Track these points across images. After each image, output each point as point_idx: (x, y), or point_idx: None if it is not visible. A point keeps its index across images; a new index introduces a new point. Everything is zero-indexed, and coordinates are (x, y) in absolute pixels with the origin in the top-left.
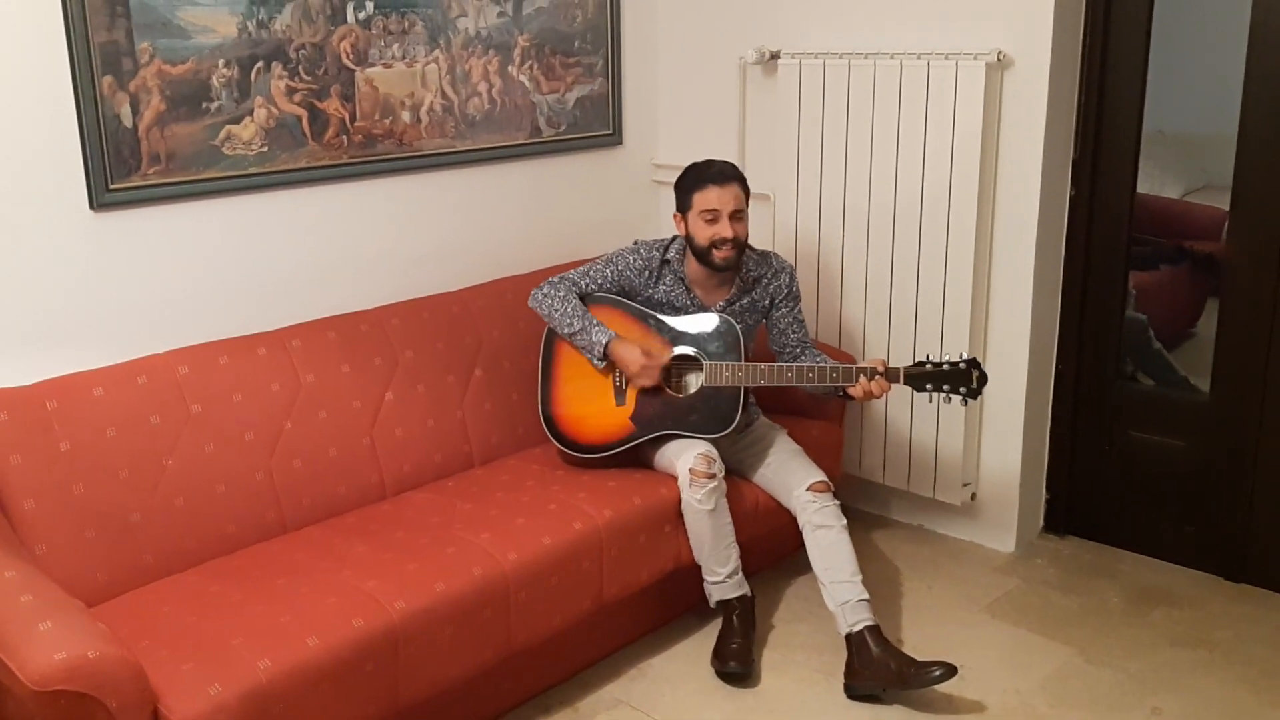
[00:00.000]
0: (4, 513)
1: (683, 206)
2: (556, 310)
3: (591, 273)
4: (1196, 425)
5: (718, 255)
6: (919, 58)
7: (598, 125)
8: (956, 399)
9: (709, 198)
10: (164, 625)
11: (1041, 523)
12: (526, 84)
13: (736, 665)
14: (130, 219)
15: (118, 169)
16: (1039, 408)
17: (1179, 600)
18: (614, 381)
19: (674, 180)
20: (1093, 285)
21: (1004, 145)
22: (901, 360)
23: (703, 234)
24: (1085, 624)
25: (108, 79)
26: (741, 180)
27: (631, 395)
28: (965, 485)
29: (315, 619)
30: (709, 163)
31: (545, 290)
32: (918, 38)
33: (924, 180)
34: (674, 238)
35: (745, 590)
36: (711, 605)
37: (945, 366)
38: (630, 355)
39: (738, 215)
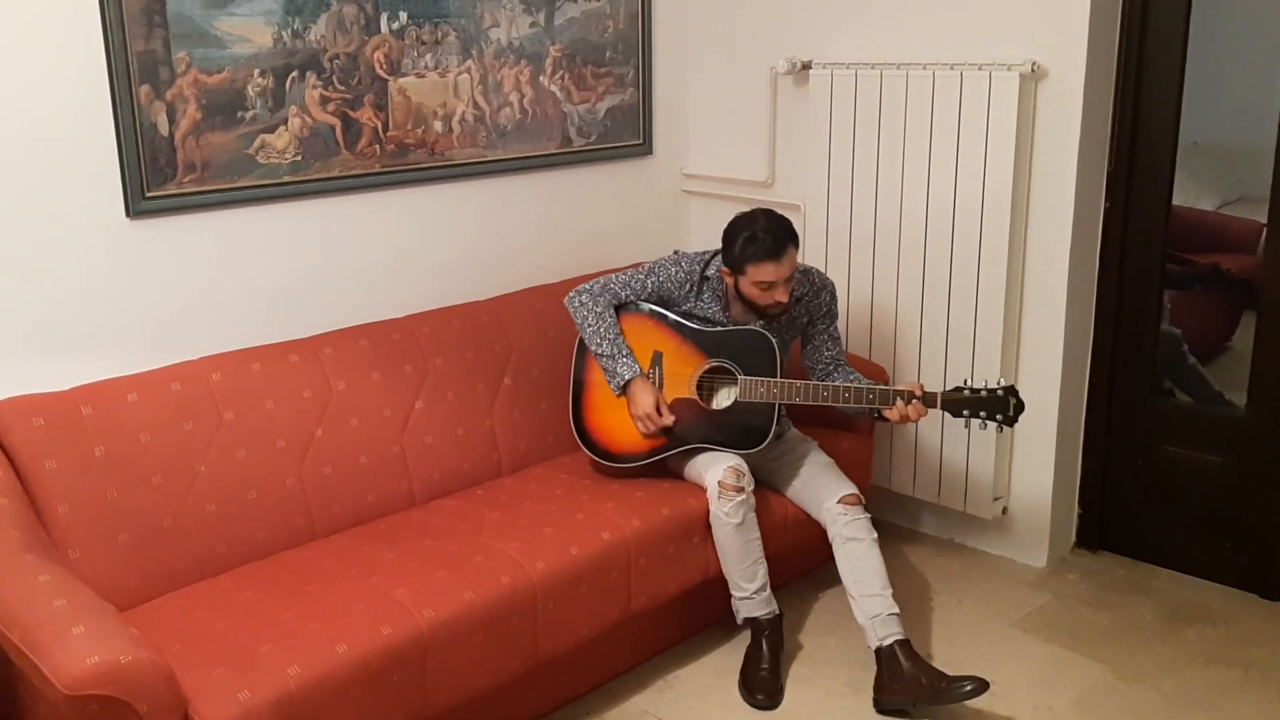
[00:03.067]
0: (39, 517)
1: (733, 268)
2: (590, 324)
3: (632, 283)
4: (1232, 441)
5: (771, 311)
6: (952, 68)
7: (628, 135)
8: (992, 426)
9: (765, 271)
10: (195, 630)
11: (1074, 538)
12: (557, 94)
13: (765, 699)
14: (165, 227)
15: (154, 177)
16: (1072, 421)
17: (1214, 618)
18: None
19: (705, 190)
20: (1127, 298)
21: (1038, 157)
22: (934, 378)
23: (757, 297)
24: (1118, 641)
25: (145, 88)
26: (794, 239)
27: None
28: (997, 499)
29: (344, 626)
30: (762, 233)
31: (583, 298)
32: (951, 48)
33: (957, 192)
34: (715, 253)
35: (773, 608)
36: (738, 622)
37: (983, 393)
38: (642, 400)
39: (790, 279)
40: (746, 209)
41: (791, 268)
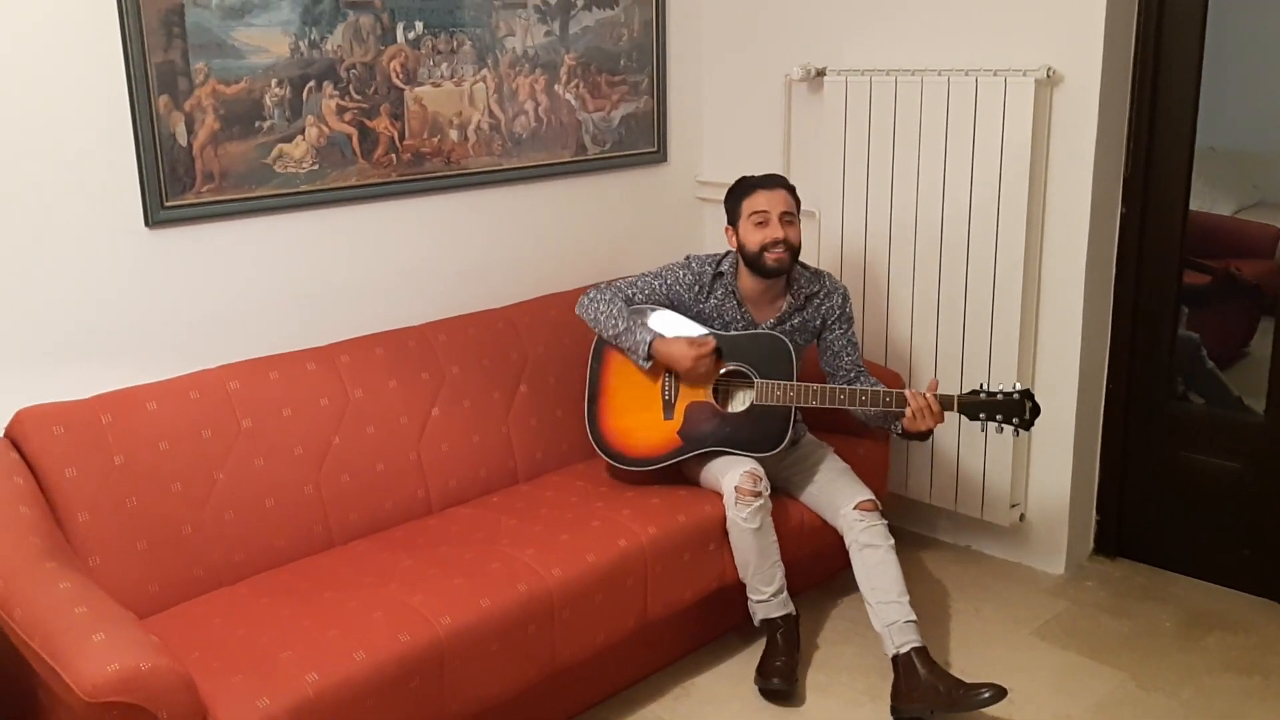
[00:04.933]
0: (59, 525)
1: (732, 217)
2: (602, 314)
3: (640, 283)
4: (1251, 447)
5: (770, 257)
6: (967, 74)
7: (643, 143)
8: (1009, 429)
9: (757, 201)
10: (214, 638)
11: (1092, 545)
12: (572, 102)
13: (780, 682)
14: (184, 236)
15: (172, 187)
16: (1089, 427)
17: (1234, 625)
18: (662, 394)
19: (719, 197)
20: (1144, 303)
21: (1054, 163)
22: (950, 384)
23: (753, 238)
24: (1137, 648)
25: (164, 98)
26: (789, 186)
27: (680, 409)
28: (1014, 506)
29: (362, 633)
30: (755, 174)
31: (592, 295)
32: (966, 54)
33: (972, 198)
34: (728, 252)
35: (790, 609)
36: (755, 624)
37: (999, 396)
38: (676, 350)
39: (787, 218)
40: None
41: (784, 204)
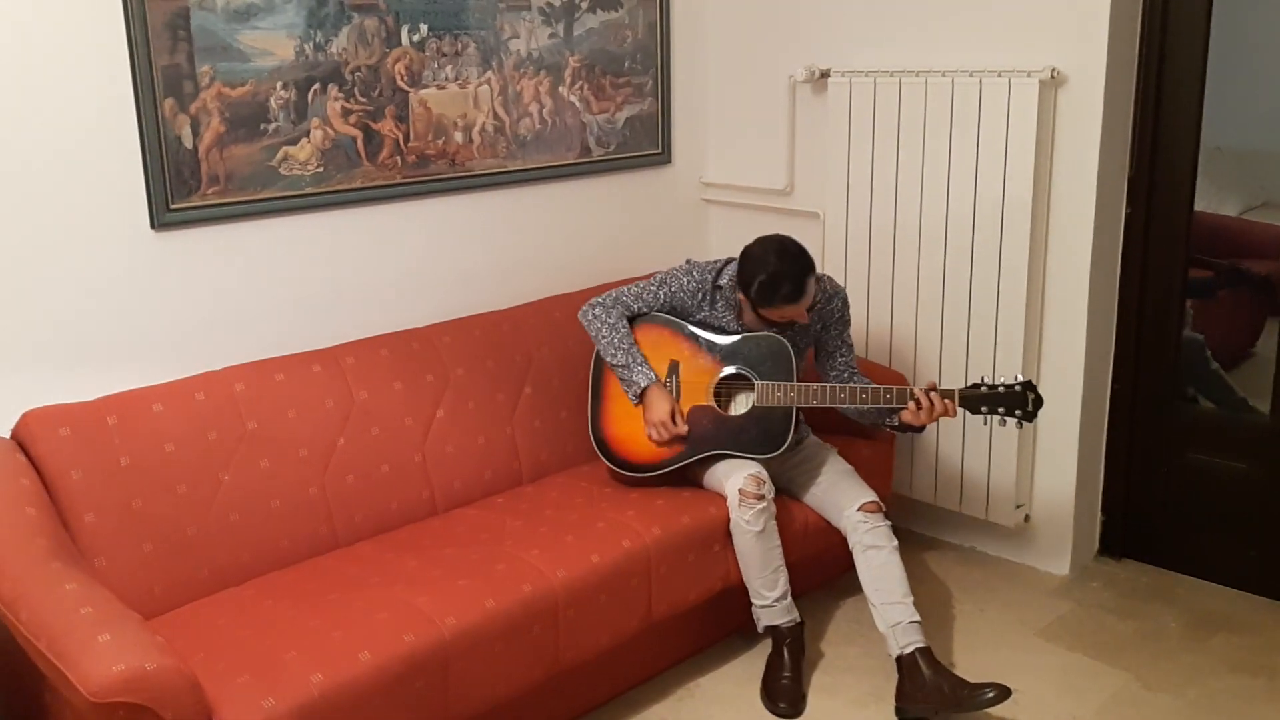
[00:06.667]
0: (65, 526)
1: (753, 299)
2: (604, 336)
3: (644, 294)
4: (1256, 447)
5: (786, 327)
6: (971, 75)
7: (647, 144)
8: (1011, 422)
9: (786, 313)
10: (219, 638)
11: (1097, 545)
12: (577, 104)
13: (787, 707)
14: (190, 238)
15: (178, 189)
16: (1094, 428)
17: (1239, 626)
18: None
19: (724, 199)
20: (1149, 304)
21: (1058, 163)
22: (954, 382)
23: (776, 320)
24: (1142, 649)
25: (169, 101)
26: (811, 269)
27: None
28: (1019, 507)
29: (367, 634)
30: (780, 278)
31: (596, 311)
32: (970, 55)
33: (976, 199)
34: (728, 261)
35: (794, 616)
36: (759, 630)
37: (1000, 389)
38: (657, 407)
39: (812, 306)
40: (760, 236)
41: (811, 297)
